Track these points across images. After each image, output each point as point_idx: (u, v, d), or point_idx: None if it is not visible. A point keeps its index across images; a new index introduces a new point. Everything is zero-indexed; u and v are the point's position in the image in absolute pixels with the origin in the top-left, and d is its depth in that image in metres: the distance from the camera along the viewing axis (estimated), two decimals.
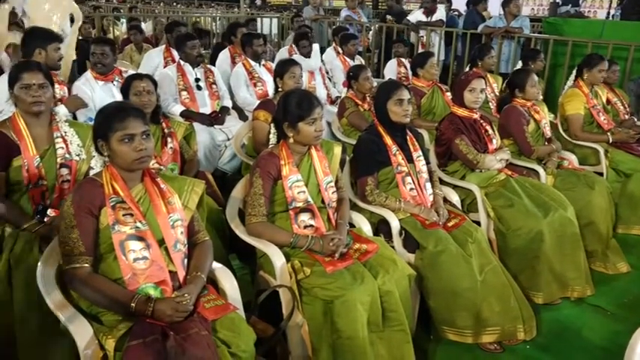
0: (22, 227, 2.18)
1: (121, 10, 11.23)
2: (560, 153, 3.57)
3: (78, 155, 2.36)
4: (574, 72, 4.18)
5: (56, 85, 3.31)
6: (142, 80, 2.82)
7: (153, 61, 4.95)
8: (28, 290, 2.01)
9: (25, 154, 2.24)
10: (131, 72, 3.44)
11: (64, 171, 2.33)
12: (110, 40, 4.15)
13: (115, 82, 3.60)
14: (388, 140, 2.70)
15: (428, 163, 2.84)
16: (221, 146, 4.01)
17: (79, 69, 5.18)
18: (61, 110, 3.26)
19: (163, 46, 5.15)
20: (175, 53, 4.85)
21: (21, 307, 2.03)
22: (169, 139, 2.87)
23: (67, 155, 2.34)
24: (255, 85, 4.48)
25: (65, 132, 2.38)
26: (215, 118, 4.02)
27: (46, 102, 2.29)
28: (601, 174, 3.64)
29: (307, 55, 5.11)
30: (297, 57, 5.02)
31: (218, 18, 10.28)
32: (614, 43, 5.42)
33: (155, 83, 2.90)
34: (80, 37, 6.61)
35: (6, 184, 2.24)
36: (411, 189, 2.67)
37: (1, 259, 2.10)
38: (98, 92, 3.58)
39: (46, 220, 2.23)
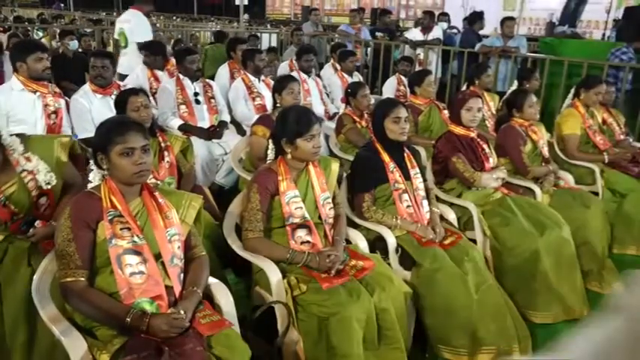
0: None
1: None
2: (557, 174, 3.57)
3: (48, 183, 2.22)
4: (572, 91, 4.22)
5: (50, 97, 3.33)
6: (138, 95, 2.83)
7: (138, 80, 4.92)
8: (18, 304, 2.01)
9: None
10: (129, 86, 3.45)
11: (43, 200, 2.24)
12: (110, 53, 4.19)
13: (113, 96, 3.60)
14: (385, 157, 2.71)
15: (425, 180, 2.85)
16: (218, 160, 4.01)
17: (77, 81, 5.19)
18: None
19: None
20: (159, 73, 4.85)
21: (12, 320, 2.02)
22: (166, 153, 2.87)
23: (41, 184, 2.20)
24: (253, 99, 4.50)
25: (27, 165, 2.18)
26: (213, 132, 4.03)
27: None
28: (597, 194, 3.66)
29: (308, 69, 5.14)
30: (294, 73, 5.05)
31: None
32: (609, 64, 5.48)
33: (149, 97, 2.92)
34: (80, 50, 6.67)
35: None
36: (408, 206, 2.68)
37: None
38: (96, 105, 3.59)
39: (31, 231, 2.19)
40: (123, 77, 5.05)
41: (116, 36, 5.61)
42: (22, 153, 2.18)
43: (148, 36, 5.39)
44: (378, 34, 7.93)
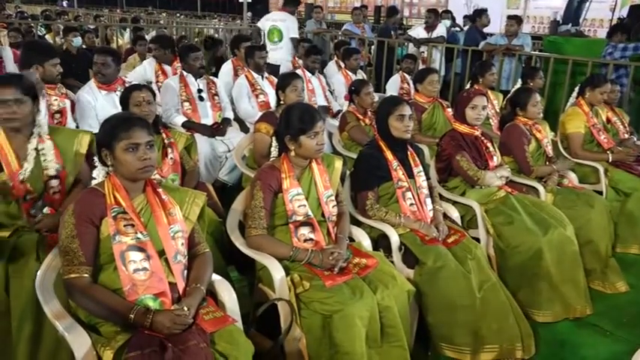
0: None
1: (126, 20, 11.30)
2: (563, 172, 3.56)
3: (63, 168, 2.32)
4: (576, 90, 4.21)
5: (55, 97, 3.33)
6: (141, 91, 2.84)
7: (146, 73, 4.95)
8: (26, 297, 2.01)
9: (8, 169, 2.18)
10: (134, 82, 3.45)
11: (54, 182, 2.30)
12: (113, 50, 4.18)
13: (117, 92, 3.61)
14: (389, 155, 2.71)
15: (428, 178, 2.85)
16: (222, 157, 4.02)
17: (81, 78, 5.20)
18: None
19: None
20: (167, 68, 4.88)
21: (19, 314, 2.03)
22: (170, 150, 2.87)
23: (56, 166, 2.29)
24: (257, 96, 4.49)
25: (39, 145, 2.27)
26: (216, 130, 4.03)
27: (21, 117, 2.18)
28: (600, 193, 3.65)
29: (314, 69, 5.13)
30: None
31: (220, 29, 10.35)
32: (614, 63, 5.46)
33: (154, 93, 2.92)
34: (84, 47, 6.68)
35: None
36: (411, 204, 2.68)
37: None
38: (100, 101, 3.60)
39: (39, 216, 2.23)
40: (274, 67, 5.85)
41: (266, 31, 6.53)
42: (44, 134, 2.29)
43: (297, 34, 6.58)
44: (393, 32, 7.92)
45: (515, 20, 6.44)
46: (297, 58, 5.90)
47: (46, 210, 2.27)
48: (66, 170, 2.33)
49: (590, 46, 6.29)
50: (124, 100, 2.86)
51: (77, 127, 3.47)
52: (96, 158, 1.91)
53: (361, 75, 5.67)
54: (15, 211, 2.23)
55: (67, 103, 3.45)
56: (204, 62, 4.18)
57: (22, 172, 2.20)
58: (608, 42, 5.82)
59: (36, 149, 2.25)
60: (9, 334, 2.04)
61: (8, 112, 2.15)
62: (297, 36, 6.54)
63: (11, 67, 4.46)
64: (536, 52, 6.45)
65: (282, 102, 3.45)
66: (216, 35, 9.33)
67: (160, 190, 1.95)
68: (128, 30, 9.11)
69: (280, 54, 6.39)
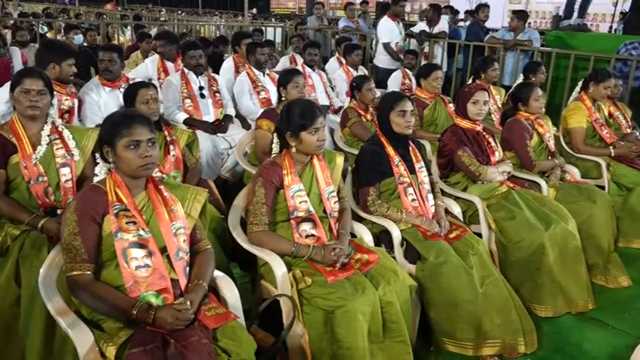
0: (24, 222, 2.25)
1: (128, 17, 11.29)
2: (563, 167, 3.56)
3: (72, 155, 2.45)
4: (579, 84, 4.19)
5: (65, 97, 3.34)
6: (148, 88, 2.86)
7: (148, 71, 4.97)
8: (35, 290, 2.02)
9: (23, 152, 2.34)
10: (138, 79, 3.45)
11: (65, 170, 2.41)
12: (118, 47, 4.19)
13: (121, 89, 3.61)
14: (390, 151, 2.71)
15: (430, 174, 2.84)
16: (223, 154, 4.02)
17: (83, 76, 5.20)
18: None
19: (157, 56, 5.14)
20: (169, 65, 4.90)
21: (28, 307, 2.05)
22: (171, 147, 2.88)
23: (66, 155, 2.43)
24: (258, 93, 4.49)
25: (62, 133, 2.46)
26: (218, 126, 4.03)
27: (42, 107, 2.38)
28: (603, 187, 3.64)
29: (312, 63, 5.14)
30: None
31: (222, 26, 10.35)
32: (616, 57, 5.44)
33: (157, 90, 2.93)
34: (85, 44, 6.68)
35: (6, 181, 2.33)
36: (413, 200, 2.68)
37: (10, 258, 2.14)
38: (105, 98, 3.60)
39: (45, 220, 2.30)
40: (384, 72, 6.28)
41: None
42: (58, 124, 2.48)
43: (387, 37, 6.53)
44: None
45: (519, 15, 6.38)
46: (295, 55, 5.90)
47: (59, 211, 2.35)
48: (74, 160, 2.45)
49: (594, 41, 6.26)
50: (130, 97, 2.86)
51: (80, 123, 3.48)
52: (97, 154, 1.91)
53: (363, 71, 5.66)
54: (26, 199, 2.33)
55: (76, 102, 3.46)
56: (202, 61, 4.16)
57: (36, 155, 2.36)
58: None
59: (49, 137, 2.41)
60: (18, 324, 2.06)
61: (33, 101, 2.34)
62: (386, 40, 6.56)
63: (19, 67, 4.46)
64: (538, 47, 6.41)
65: (283, 98, 3.45)
66: (218, 33, 9.32)
67: (161, 187, 1.95)
68: (129, 27, 9.11)
69: (383, 59, 6.63)
